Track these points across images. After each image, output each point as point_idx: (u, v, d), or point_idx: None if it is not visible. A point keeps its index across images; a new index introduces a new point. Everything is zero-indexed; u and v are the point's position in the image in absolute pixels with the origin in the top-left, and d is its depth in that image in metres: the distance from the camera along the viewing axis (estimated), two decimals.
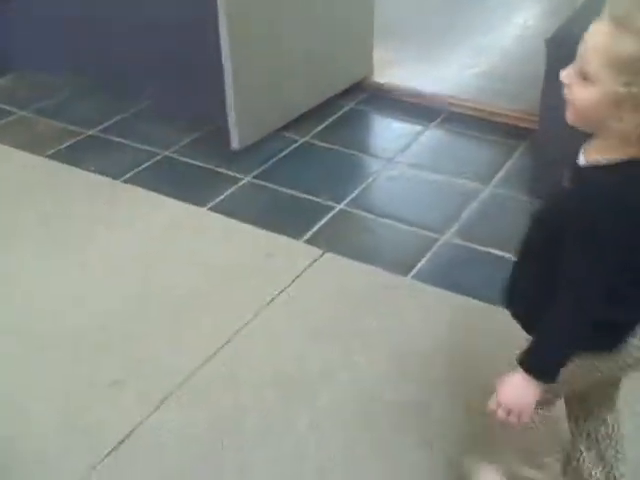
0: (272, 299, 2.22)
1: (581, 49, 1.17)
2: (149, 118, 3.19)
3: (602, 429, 1.51)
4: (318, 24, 3.03)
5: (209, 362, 2.00)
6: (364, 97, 3.35)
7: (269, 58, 2.85)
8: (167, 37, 3.07)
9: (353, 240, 2.49)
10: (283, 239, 2.47)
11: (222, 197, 2.69)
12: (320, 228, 2.54)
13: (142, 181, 2.77)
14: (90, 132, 3.12)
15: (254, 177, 2.81)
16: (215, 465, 1.74)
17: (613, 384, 1.46)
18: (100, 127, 3.14)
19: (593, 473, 1.52)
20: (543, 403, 1.34)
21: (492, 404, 1.29)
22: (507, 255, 2.30)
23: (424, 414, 1.84)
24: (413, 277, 2.33)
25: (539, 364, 1.25)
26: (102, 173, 2.82)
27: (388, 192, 2.78)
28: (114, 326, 2.13)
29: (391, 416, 1.85)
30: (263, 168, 2.86)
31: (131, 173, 2.83)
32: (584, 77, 1.17)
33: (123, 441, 1.79)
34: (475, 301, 2.18)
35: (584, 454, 1.52)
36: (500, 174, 2.83)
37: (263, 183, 2.78)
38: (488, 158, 2.96)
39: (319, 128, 3.12)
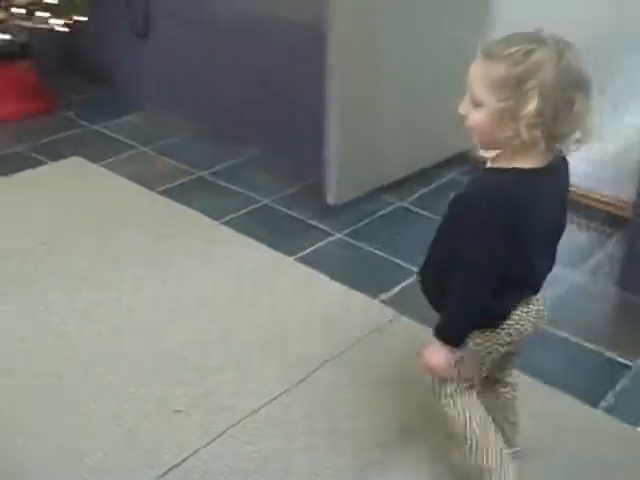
0: (340, 353, 2.29)
1: (468, 83, 1.49)
2: (256, 166, 3.37)
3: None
4: (424, 93, 3.13)
5: (269, 404, 2.09)
6: (466, 169, 3.41)
7: (372, 121, 2.97)
8: (278, 93, 3.27)
9: (429, 307, 2.53)
10: (361, 297, 2.55)
11: (310, 249, 2.80)
12: (400, 291, 2.60)
13: (239, 225, 2.93)
14: (201, 173, 3.32)
15: (345, 234, 2.91)
16: None
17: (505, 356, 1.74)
18: (210, 170, 3.34)
19: None
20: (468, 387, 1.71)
21: (419, 368, 1.68)
22: (586, 344, 2.38)
23: None
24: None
25: (446, 334, 1.60)
26: (205, 213, 3.00)
27: None
28: (189, 358, 2.26)
29: None
30: (355, 226, 2.96)
31: (231, 216, 2.99)
32: (475, 104, 1.48)
33: (178, 465, 1.90)
34: (546, 386, 2.20)
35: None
36: (591, 261, 2.82)
37: (352, 241, 2.88)
38: (582, 244, 2.96)
39: (417, 194, 3.21)
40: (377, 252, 2.81)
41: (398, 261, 2.76)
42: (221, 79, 3.52)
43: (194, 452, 1.94)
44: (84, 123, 3.76)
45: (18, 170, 3.27)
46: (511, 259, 1.52)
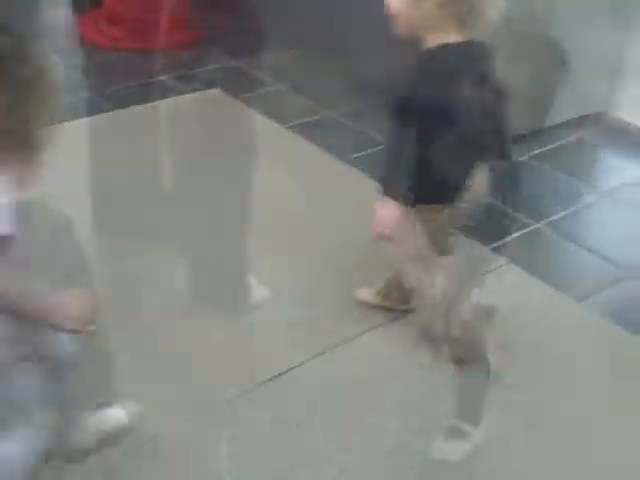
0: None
1: None
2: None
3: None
4: None
5: (383, 326, 2.23)
6: (599, 129, 3.34)
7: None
8: None
9: (540, 259, 2.55)
10: (473, 243, 2.58)
11: None
12: (512, 240, 2.60)
13: (362, 164, 3.01)
14: (329, 113, 3.42)
15: None
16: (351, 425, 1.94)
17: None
18: (339, 110, 3.44)
19: None
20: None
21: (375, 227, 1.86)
22: None
23: None
24: (585, 306, 2.36)
25: (388, 190, 1.82)
26: (330, 151, 3.10)
27: (594, 223, 2.79)
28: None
29: None
30: None
31: (355, 155, 3.09)
32: None
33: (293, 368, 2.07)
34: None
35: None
36: None
37: None
38: None
39: (544, 149, 3.18)
40: (495, 201, 2.81)
41: (514, 212, 2.75)
42: (360, 26, 3.56)
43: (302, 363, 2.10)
44: (228, 58, 3.89)
45: (159, 98, 3.45)
46: (447, 128, 1.70)
